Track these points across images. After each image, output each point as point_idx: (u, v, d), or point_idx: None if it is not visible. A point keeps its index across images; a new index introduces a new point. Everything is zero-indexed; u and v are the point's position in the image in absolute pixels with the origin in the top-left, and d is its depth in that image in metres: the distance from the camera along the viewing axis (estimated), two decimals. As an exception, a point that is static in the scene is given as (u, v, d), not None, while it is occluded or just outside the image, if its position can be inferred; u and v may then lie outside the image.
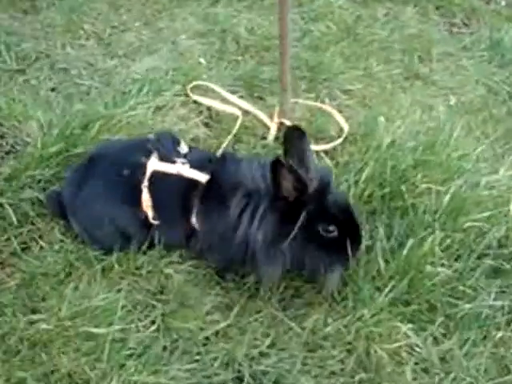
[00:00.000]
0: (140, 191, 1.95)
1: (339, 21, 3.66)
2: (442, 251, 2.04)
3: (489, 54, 3.66)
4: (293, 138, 1.80)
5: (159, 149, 2.02)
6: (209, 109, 2.75)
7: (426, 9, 4.10)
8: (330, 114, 2.73)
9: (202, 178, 1.94)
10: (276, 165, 1.68)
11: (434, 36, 3.76)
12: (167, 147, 2.05)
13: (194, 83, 2.79)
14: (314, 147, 2.38)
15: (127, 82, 2.87)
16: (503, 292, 2.04)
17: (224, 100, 2.77)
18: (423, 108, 3.04)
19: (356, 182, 2.29)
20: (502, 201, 2.26)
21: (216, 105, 2.72)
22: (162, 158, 1.99)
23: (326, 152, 2.54)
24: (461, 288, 1.98)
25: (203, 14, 3.61)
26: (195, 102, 2.76)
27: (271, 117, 2.64)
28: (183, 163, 1.98)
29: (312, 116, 2.75)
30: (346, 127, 2.63)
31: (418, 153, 2.42)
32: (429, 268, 1.94)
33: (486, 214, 2.12)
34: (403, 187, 2.23)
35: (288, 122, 2.56)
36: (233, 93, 2.87)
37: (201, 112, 2.74)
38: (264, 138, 2.64)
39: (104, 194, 1.99)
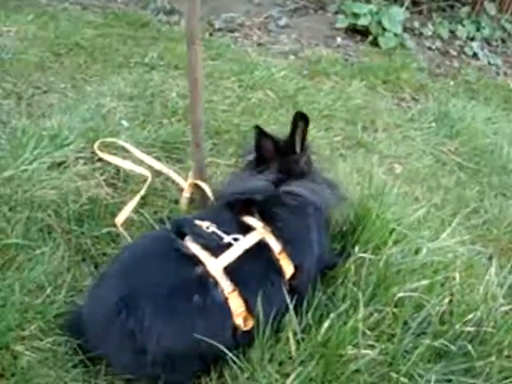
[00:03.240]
0: (220, 304, 1.50)
1: (279, 90, 3.47)
2: (371, 329, 1.65)
3: (436, 126, 3.49)
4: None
5: (199, 238, 1.60)
6: (117, 168, 2.41)
7: (373, 83, 3.98)
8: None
9: (266, 232, 1.66)
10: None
11: (379, 107, 3.58)
12: (201, 232, 1.63)
13: (102, 140, 2.47)
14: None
15: (32, 139, 2.53)
16: (448, 381, 1.63)
17: (136, 160, 2.44)
18: (364, 176, 2.75)
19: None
20: (445, 269, 1.91)
21: (124, 164, 2.39)
22: (213, 249, 1.57)
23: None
24: (393, 375, 1.56)
25: (135, 80, 3.40)
26: (102, 160, 2.42)
27: (186, 179, 2.31)
28: (235, 238, 1.61)
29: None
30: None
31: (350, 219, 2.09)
32: (350, 350, 1.53)
33: (424, 282, 1.75)
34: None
35: (203, 184, 2.24)
36: (149, 153, 2.56)
37: (107, 171, 2.40)
38: (176, 201, 2.30)
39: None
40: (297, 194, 1.76)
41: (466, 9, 6.48)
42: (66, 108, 2.98)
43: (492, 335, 1.70)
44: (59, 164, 2.33)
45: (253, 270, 1.58)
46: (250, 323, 1.53)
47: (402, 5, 5.70)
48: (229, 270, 1.52)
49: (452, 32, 6.07)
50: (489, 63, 5.62)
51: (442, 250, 2.03)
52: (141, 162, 2.44)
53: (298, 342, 1.59)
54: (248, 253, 1.58)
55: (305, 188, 1.79)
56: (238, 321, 1.51)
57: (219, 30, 4.59)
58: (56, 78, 3.39)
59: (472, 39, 6.06)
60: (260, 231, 1.65)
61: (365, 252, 1.83)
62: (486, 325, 1.74)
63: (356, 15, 4.98)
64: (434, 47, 5.59)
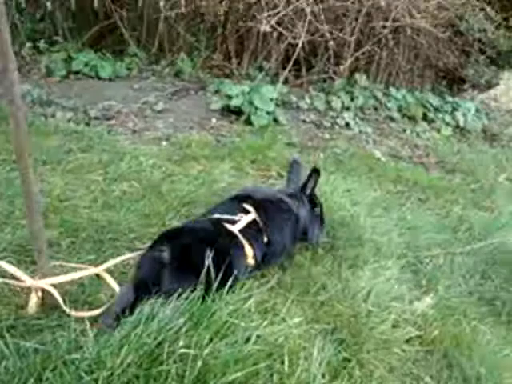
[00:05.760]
0: (241, 248, 2.59)
1: (144, 179, 3.61)
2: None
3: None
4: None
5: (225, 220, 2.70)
6: (-37, 279, 2.42)
7: (241, 164, 4.20)
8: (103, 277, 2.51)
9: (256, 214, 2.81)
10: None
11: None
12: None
13: None
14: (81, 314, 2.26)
15: None
16: None
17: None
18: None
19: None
20: (270, 356, 2.05)
21: (-30, 274, 2.41)
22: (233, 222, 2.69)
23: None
24: None
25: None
26: None
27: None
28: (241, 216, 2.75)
29: (84, 279, 2.50)
30: (117, 289, 2.41)
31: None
32: None
33: (239, 374, 1.88)
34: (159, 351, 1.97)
35: (51, 289, 2.30)
36: (3, 258, 2.59)
37: (-48, 283, 2.40)
38: (23, 306, 2.33)
39: None
40: (287, 204, 2.96)
41: (341, 80, 7.02)
42: None
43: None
44: None
45: (253, 234, 2.66)
46: (253, 262, 2.60)
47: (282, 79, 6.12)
48: (242, 232, 2.59)
49: (328, 103, 6.53)
50: (360, 132, 6.07)
51: (274, 335, 2.18)
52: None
53: None
54: (251, 224, 2.69)
55: (295, 206, 3.00)
56: (250, 260, 2.57)
57: (96, 118, 4.72)
58: None
59: (347, 109, 6.55)
60: (253, 213, 2.75)
61: (189, 347, 1.94)
62: (304, 407, 1.88)
63: (229, 96, 5.29)
64: (308, 120, 5.97)
